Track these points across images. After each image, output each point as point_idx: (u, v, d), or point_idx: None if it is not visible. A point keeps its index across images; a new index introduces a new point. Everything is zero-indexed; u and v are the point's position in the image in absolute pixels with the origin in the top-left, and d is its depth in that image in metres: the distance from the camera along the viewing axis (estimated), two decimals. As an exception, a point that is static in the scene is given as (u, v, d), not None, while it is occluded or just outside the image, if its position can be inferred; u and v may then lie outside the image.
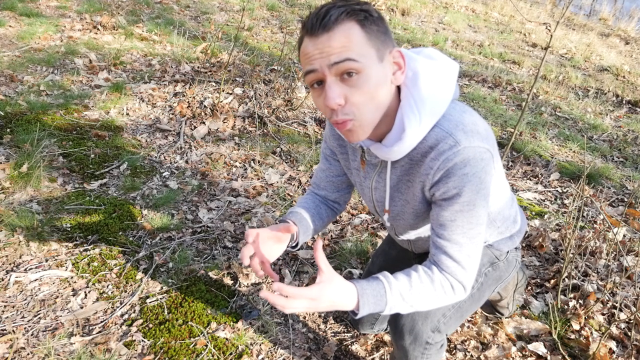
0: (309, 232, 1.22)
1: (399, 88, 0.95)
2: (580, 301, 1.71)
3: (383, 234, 2.04)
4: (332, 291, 0.87)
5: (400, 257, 1.41)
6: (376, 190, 1.12)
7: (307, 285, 1.75)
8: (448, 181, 0.91)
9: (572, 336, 1.60)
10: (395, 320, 1.19)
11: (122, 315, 1.56)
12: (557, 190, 2.61)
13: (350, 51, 0.83)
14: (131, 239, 1.90)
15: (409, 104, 0.91)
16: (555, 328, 1.59)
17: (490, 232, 1.19)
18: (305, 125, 2.94)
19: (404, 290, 0.94)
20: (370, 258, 1.57)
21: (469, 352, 1.53)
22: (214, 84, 3.15)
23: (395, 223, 1.16)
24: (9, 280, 1.63)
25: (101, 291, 1.64)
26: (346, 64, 0.84)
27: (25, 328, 1.47)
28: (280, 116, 2.97)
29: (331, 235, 2.03)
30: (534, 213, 2.35)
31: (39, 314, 1.53)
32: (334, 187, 1.30)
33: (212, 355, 1.44)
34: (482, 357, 1.51)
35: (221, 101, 2.95)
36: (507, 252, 1.28)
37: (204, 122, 2.77)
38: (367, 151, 1.06)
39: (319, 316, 1.64)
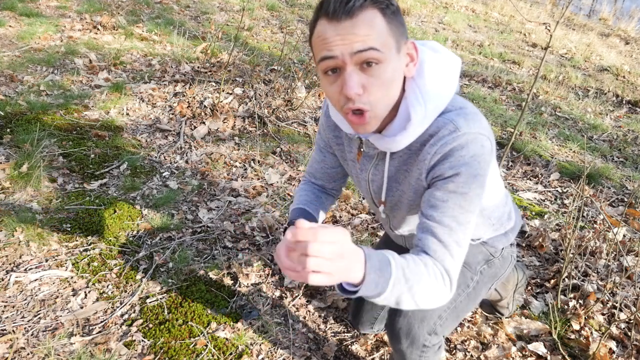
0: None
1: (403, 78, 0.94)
2: (580, 301, 1.71)
3: (383, 233, 2.04)
4: (346, 240, 0.71)
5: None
6: (373, 182, 1.11)
7: (307, 285, 1.75)
8: (445, 162, 0.90)
9: (572, 336, 1.60)
10: (392, 324, 1.18)
11: (122, 315, 1.56)
12: (557, 190, 2.61)
13: (373, 40, 0.81)
14: (131, 239, 1.90)
15: (415, 94, 0.90)
16: (555, 328, 1.59)
17: (485, 229, 1.19)
18: (305, 125, 2.94)
19: (404, 265, 0.82)
20: None
21: (469, 352, 1.53)
22: (214, 84, 3.15)
23: (391, 214, 1.15)
24: (9, 280, 1.63)
25: (101, 291, 1.64)
26: (369, 52, 0.81)
27: (25, 328, 1.47)
28: (280, 116, 2.97)
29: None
30: (534, 213, 2.35)
31: (39, 314, 1.53)
32: (330, 178, 1.29)
33: (212, 355, 1.44)
34: (482, 357, 1.51)
35: (221, 101, 2.95)
36: (502, 248, 1.28)
37: (204, 122, 2.77)
38: (366, 142, 1.04)
39: (319, 316, 1.64)
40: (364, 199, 2.28)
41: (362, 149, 1.07)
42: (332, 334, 1.57)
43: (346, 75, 0.83)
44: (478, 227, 1.17)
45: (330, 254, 0.66)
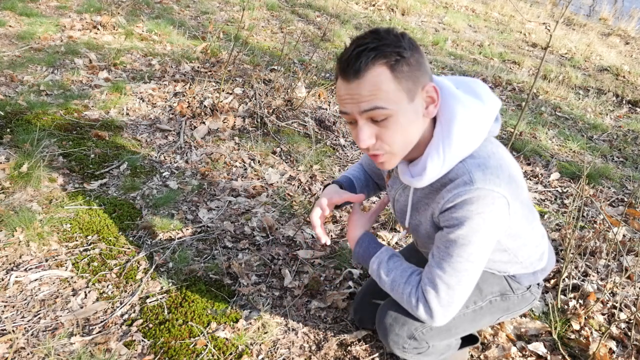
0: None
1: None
2: (580, 301, 1.71)
3: (383, 234, 2.04)
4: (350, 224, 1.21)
5: (421, 266, 1.43)
6: (397, 202, 1.17)
7: (307, 285, 1.75)
8: (453, 212, 0.94)
9: (572, 336, 1.60)
10: (378, 322, 1.26)
11: (122, 315, 1.56)
12: (557, 190, 2.61)
13: (378, 99, 0.86)
14: (131, 239, 1.90)
15: (437, 146, 0.94)
16: (555, 328, 1.59)
17: (511, 266, 1.19)
18: (305, 125, 2.94)
19: (383, 269, 1.11)
20: None
21: (468, 351, 1.53)
22: (214, 83, 3.15)
23: (415, 237, 1.21)
24: (9, 280, 1.63)
25: (101, 291, 1.64)
26: (375, 111, 0.87)
27: (25, 328, 1.47)
28: (280, 116, 2.97)
29: (331, 235, 2.03)
30: (534, 213, 2.35)
31: (39, 314, 1.53)
32: (377, 176, 1.40)
33: (212, 355, 1.44)
34: (482, 357, 1.51)
35: (221, 101, 2.95)
36: (528, 287, 1.27)
37: (204, 122, 2.77)
38: (395, 168, 1.12)
39: (319, 316, 1.64)
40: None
41: (391, 173, 1.17)
42: (332, 334, 1.57)
43: (358, 129, 0.91)
44: (503, 263, 1.18)
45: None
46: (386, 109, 0.87)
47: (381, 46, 0.85)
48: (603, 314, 1.71)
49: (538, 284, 1.29)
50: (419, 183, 0.98)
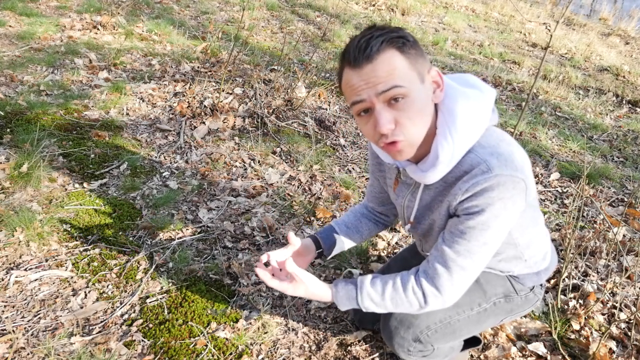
0: (341, 245, 1.39)
1: (435, 106, 0.98)
2: (580, 301, 1.71)
3: (383, 234, 2.04)
4: (305, 289, 1.10)
5: None
6: (408, 208, 1.16)
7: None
8: (473, 200, 0.94)
9: (572, 336, 1.60)
10: (384, 324, 1.26)
11: (122, 315, 1.56)
12: (557, 190, 2.61)
13: (395, 78, 0.87)
14: (131, 239, 1.90)
15: (444, 134, 0.94)
16: (555, 328, 1.59)
17: (516, 264, 1.19)
18: (305, 125, 2.94)
19: (375, 297, 1.07)
20: (388, 262, 1.59)
21: (469, 352, 1.53)
22: (214, 83, 3.15)
23: (424, 239, 1.20)
24: (9, 280, 1.63)
25: (101, 291, 1.64)
26: (393, 90, 0.87)
27: (25, 328, 1.47)
28: (280, 116, 2.97)
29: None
30: (534, 213, 2.35)
31: (39, 314, 1.53)
32: (378, 201, 1.39)
33: (212, 355, 1.44)
34: (482, 357, 1.51)
35: (221, 101, 2.95)
36: (532, 288, 1.27)
37: (204, 122, 2.77)
38: (403, 172, 1.11)
39: (319, 316, 1.64)
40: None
41: (399, 178, 1.15)
42: (332, 334, 1.57)
43: (376, 114, 0.90)
44: (509, 260, 1.18)
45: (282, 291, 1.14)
46: (403, 87, 0.87)
47: (386, 33, 0.88)
48: (603, 314, 1.71)
49: (541, 285, 1.29)
50: (433, 175, 0.98)
